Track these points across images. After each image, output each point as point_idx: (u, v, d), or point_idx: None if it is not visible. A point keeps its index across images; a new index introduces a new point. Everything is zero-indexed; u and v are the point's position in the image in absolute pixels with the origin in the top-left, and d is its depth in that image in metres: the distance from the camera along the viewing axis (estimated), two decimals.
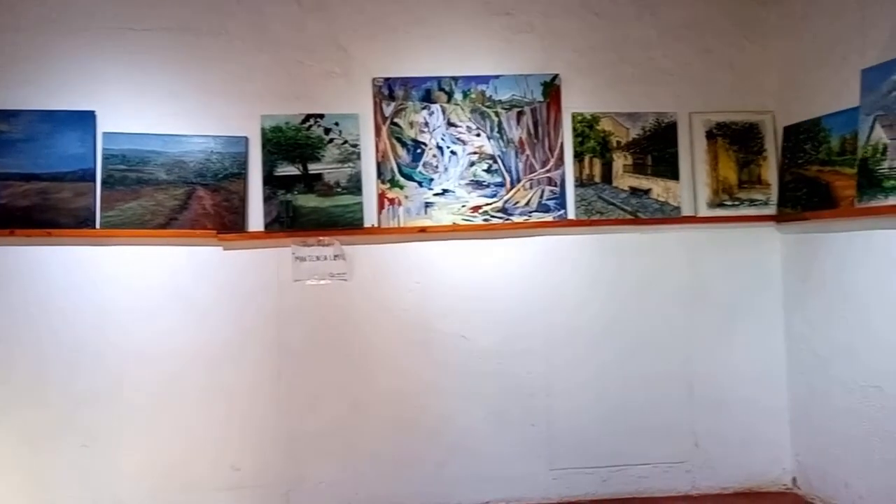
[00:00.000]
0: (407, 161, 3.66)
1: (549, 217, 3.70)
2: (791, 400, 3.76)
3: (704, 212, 3.78)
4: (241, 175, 3.58)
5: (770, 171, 3.83)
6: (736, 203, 3.81)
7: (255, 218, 3.59)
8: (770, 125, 3.84)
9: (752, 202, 3.81)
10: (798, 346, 3.71)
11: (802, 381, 3.68)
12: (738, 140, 3.83)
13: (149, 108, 3.55)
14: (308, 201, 3.60)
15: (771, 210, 3.80)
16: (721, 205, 3.80)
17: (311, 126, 3.62)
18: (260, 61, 3.64)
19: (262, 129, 3.60)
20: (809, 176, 3.59)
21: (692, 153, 3.80)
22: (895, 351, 3.06)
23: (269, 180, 3.60)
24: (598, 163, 3.76)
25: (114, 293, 3.50)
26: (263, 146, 3.60)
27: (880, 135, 3.12)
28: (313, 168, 3.61)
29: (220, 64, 3.61)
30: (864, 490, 3.25)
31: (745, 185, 3.82)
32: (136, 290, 3.51)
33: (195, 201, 3.54)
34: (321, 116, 3.63)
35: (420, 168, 3.67)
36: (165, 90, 3.57)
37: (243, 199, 3.58)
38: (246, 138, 3.60)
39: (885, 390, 3.11)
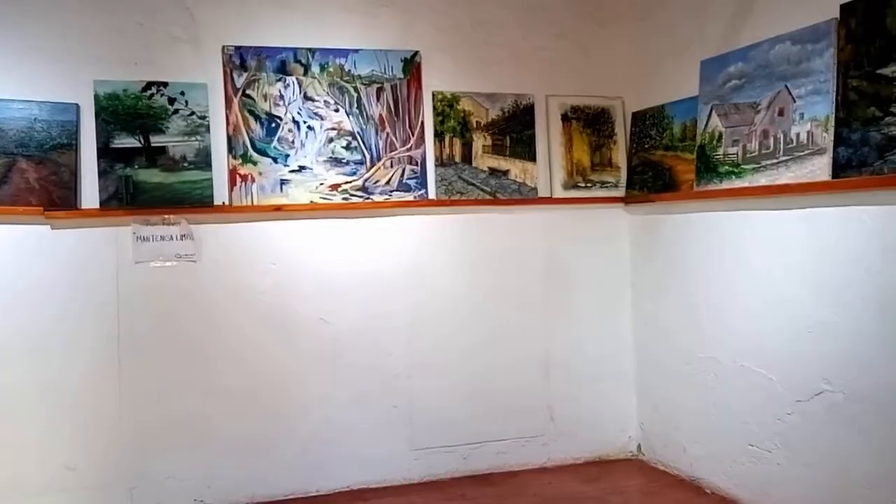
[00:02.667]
0: (261, 135, 3.47)
1: (410, 196, 3.65)
2: (637, 372, 3.98)
3: (559, 193, 3.89)
4: (71, 146, 3.24)
5: (620, 155, 4.00)
6: (588, 185, 3.95)
7: (90, 194, 3.26)
8: (620, 110, 4.01)
9: (603, 184, 3.97)
10: (643, 322, 3.93)
11: (647, 354, 3.91)
12: (590, 124, 3.97)
13: None
14: (151, 176, 3.32)
15: (620, 192, 3.98)
16: (575, 186, 3.92)
17: (153, 94, 3.33)
18: (93, 21, 3.29)
19: (96, 96, 3.27)
20: (654, 160, 3.79)
21: (548, 136, 3.89)
22: (729, 324, 3.31)
23: (106, 153, 3.28)
24: (458, 143, 3.75)
25: None
26: (98, 115, 3.27)
27: (716, 123, 3.34)
28: (156, 140, 3.33)
29: (46, 21, 3.23)
30: (700, 453, 3.51)
31: (597, 167, 3.97)
32: None
33: (16, 174, 3.16)
34: (165, 84, 3.35)
35: (275, 143, 3.49)
36: None
37: (74, 173, 3.24)
38: (77, 105, 3.26)
39: (720, 361, 3.35)
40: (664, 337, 3.75)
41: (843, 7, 2.73)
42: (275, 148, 3.49)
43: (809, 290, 2.88)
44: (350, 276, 3.58)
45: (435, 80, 3.71)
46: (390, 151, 3.64)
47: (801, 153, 2.90)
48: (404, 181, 3.65)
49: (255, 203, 3.44)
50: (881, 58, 2.57)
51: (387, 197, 3.62)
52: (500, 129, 3.82)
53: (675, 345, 3.67)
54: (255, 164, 3.45)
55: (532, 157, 3.86)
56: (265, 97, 3.48)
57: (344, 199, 3.56)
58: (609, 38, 4.00)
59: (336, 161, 3.56)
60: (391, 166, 3.64)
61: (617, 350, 3.98)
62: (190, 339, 3.38)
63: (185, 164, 3.35)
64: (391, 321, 3.64)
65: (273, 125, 3.49)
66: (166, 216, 3.34)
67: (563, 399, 3.88)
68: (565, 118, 3.92)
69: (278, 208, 3.46)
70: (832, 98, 2.77)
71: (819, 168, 2.81)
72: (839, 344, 2.76)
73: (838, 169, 2.72)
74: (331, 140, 3.56)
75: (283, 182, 3.49)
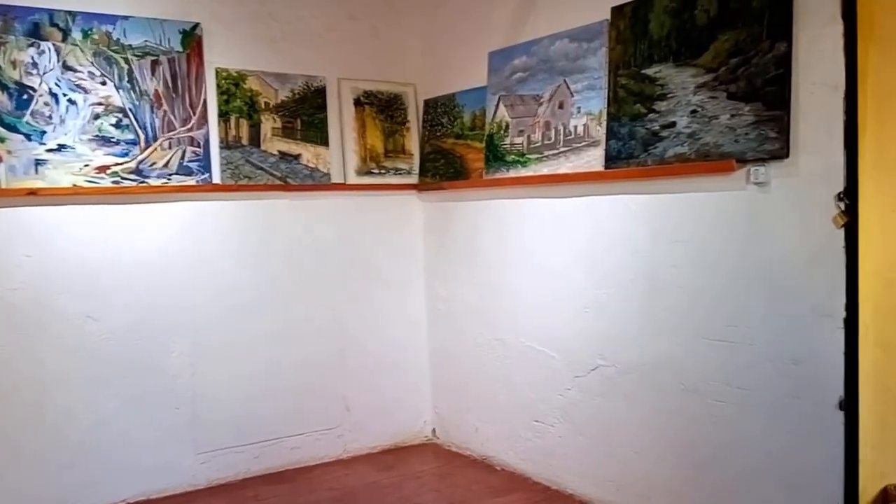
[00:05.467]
0: (9, 108, 3.01)
1: (191, 181, 3.38)
2: (431, 357, 4.05)
3: (353, 179, 3.82)
4: None
5: (413, 142, 4.01)
6: (382, 171, 3.92)
7: None
8: (412, 97, 4.02)
9: (397, 171, 3.96)
10: (436, 307, 3.99)
11: (440, 339, 3.98)
12: (383, 109, 3.93)
13: None
14: None
15: (414, 179, 3.99)
16: (369, 173, 3.87)
17: None
18: None
19: None
20: (446, 148, 3.84)
21: (341, 120, 3.80)
22: (515, 306, 3.46)
23: None
24: (245, 124, 3.54)
25: None
26: None
27: (503, 113, 3.46)
28: None
29: None
30: (490, 432, 3.64)
31: (390, 154, 3.95)
32: None
33: None
34: None
35: (28, 118, 3.04)
36: None
37: None
38: None
39: (507, 342, 3.50)
40: (456, 321, 3.84)
41: (613, 10, 2.93)
42: (27, 123, 3.04)
43: (586, 273, 3.09)
44: (123, 267, 3.24)
45: (218, 56, 3.46)
46: (168, 131, 3.34)
47: (579, 145, 3.09)
48: (185, 164, 3.37)
49: (4, 186, 2.98)
50: (646, 59, 2.80)
51: (165, 181, 3.32)
52: (290, 112, 3.65)
53: (466, 328, 3.77)
54: (2, 140, 2.99)
55: (325, 142, 3.74)
56: (14, 64, 3.02)
57: (114, 182, 3.20)
58: (402, 24, 3.99)
59: (104, 140, 3.19)
60: (170, 147, 3.34)
61: (411, 336, 4.01)
62: None
63: None
64: (171, 316, 3.35)
65: (25, 97, 3.04)
66: None
67: (358, 389, 3.83)
68: (358, 103, 3.85)
69: (33, 192, 3.03)
70: (604, 94, 2.97)
71: (594, 159, 3.01)
72: (612, 322, 2.99)
73: (610, 160, 2.93)
74: (97, 116, 3.18)
75: (38, 162, 3.05)
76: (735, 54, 2.49)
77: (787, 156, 2.36)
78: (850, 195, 2.24)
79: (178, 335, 3.37)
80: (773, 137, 2.38)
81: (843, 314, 2.26)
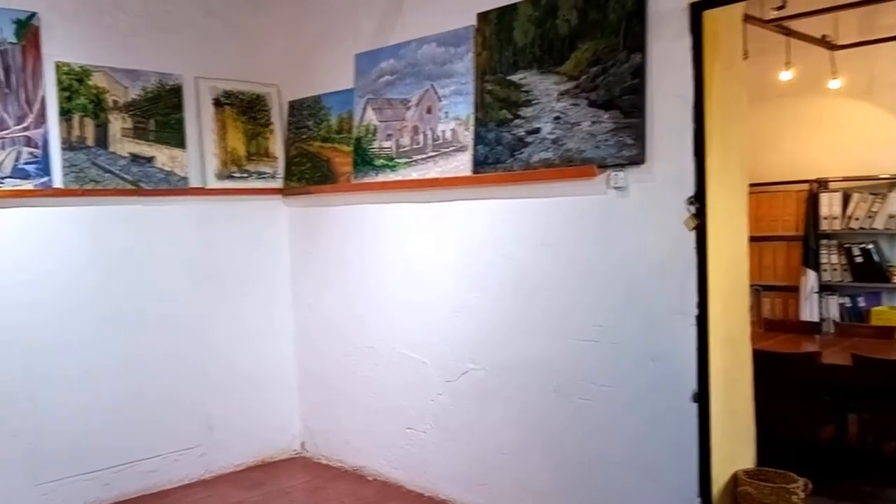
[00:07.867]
0: None
1: (28, 184, 3.07)
2: (299, 368, 3.91)
3: (213, 183, 3.63)
4: None
5: (277, 145, 3.87)
6: (245, 175, 3.75)
7: None
8: (276, 98, 3.87)
9: (260, 175, 3.80)
10: (304, 315, 3.87)
11: (309, 348, 3.85)
12: (245, 111, 3.76)
13: None
14: None
15: (278, 183, 3.85)
16: (230, 176, 3.69)
17: None
18: None
19: None
20: (312, 151, 3.74)
21: (199, 121, 3.60)
22: (386, 313, 3.40)
23: None
24: (90, 124, 3.26)
25: None
26: None
27: (371, 117, 3.41)
28: None
29: None
30: (362, 442, 3.57)
31: (253, 157, 3.78)
32: None
33: None
34: None
35: None
36: None
37: None
38: None
39: (378, 350, 3.44)
40: (325, 330, 3.74)
41: (479, 16, 2.96)
42: None
43: (456, 277, 3.09)
44: None
45: (59, 50, 3.18)
46: (1, 130, 3.02)
47: (448, 149, 3.09)
48: (20, 166, 3.06)
49: None
50: (511, 65, 2.85)
51: None
52: (142, 111, 3.41)
53: (335, 337, 3.67)
54: None
55: (181, 144, 3.52)
56: None
57: None
58: (264, 22, 3.83)
59: None
60: (2, 148, 3.02)
61: (277, 347, 3.86)
62: None
63: None
64: (3, 336, 3.02)
65: None
66: None
67: (221, 404, 3.64)
68: (218, 103, 3.66)
69: None
70: (472, 99, 3.00)
71: (463, 164, 3.02)
72: (481, 325, 3.01)
73: (478, 165, 2.96)
74: None
75: None
76: (594, 63, 2.59)
77: (643, 161, 2.47)
78: (699, 199, 2.38)
79: (13, 356, 3.04)
80: (630, 144, 2.49)
81: (696, 312, 2.39)
